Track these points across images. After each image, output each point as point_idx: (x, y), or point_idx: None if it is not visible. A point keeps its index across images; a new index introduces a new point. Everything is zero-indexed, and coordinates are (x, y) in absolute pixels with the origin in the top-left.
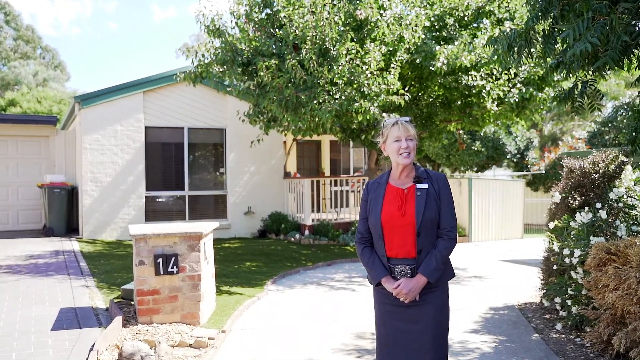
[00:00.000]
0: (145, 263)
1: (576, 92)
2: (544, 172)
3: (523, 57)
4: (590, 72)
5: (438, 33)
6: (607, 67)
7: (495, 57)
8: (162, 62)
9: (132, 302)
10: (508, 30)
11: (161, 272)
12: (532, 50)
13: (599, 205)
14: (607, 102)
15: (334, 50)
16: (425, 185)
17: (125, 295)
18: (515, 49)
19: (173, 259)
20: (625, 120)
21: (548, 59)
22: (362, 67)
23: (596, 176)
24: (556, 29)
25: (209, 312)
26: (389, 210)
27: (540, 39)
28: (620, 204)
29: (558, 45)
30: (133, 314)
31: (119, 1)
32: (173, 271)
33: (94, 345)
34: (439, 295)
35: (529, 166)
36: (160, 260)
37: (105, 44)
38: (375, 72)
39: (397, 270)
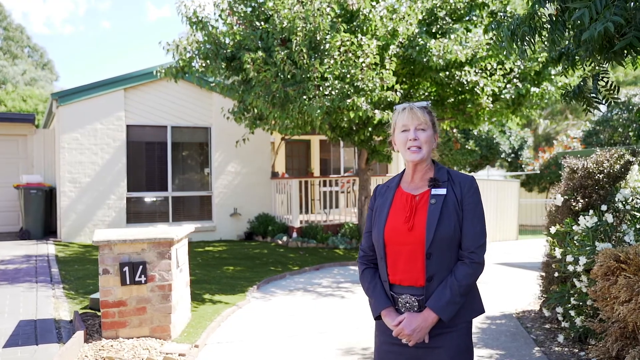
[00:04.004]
0: (110, 272)
1: (587, 87)
2: (538, 172)
3: (527, 45)
4: (604, 62)
5: (430, 27)
6: (626, 53)
7: (496, 42)
8: (158, 61)
9: (99, 314)
10: (509, 15)
11: (127, 282)
12: (537, 38)
13: (604, 207)
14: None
15: (325, 42)
16: (442, 191)
17: (93, 305)
18: (518, 37)
19: (141, 267)
20: (620, 118)
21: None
22: (356, 60)
23: (600, 176)
24: (566, 11)
25: (183, 324)
26: (395, 222)
27: (547, 25)
28: (628, 207)
29: (567, 31)
30: (98, 328)
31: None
32: (141, 281)
33: None
34: (457, 338)
35: (523, 166)
36: (126, 268)
37: (99, 43)
38: (371, 66)
39: (400, 301)
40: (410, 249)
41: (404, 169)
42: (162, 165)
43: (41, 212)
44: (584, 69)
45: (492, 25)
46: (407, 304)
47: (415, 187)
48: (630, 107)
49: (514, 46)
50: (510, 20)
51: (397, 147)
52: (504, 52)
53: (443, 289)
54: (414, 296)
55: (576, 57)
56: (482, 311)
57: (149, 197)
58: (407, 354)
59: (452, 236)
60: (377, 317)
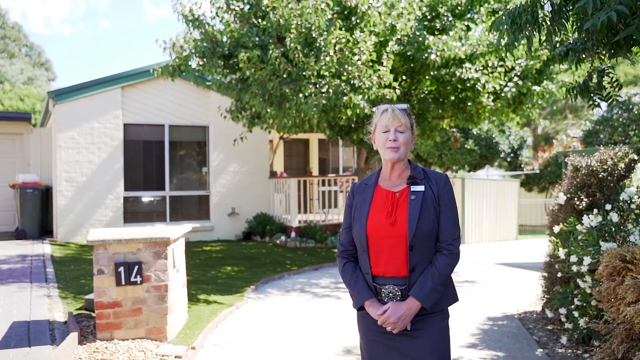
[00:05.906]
0: (105, 272)
1: (592, 83)
2: (538, 171)
3: (529, 35)
4: (608, 57)
5: (431, 24)
6: (631, 44)
7: (500, 37)
8: (157, 61)
9: (94, 315)
10: (512, 6)
11: (123, 283)
12: (539, 29)
13: (608, 206)
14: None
15: (321, 40)
16: (421, 188)
17: (88, 306)
18: (520, 24)
19: (136, 267)
20: (621, 118)
21: (555, 42)
22: (352, 58)
23: (604, 175)
24: (570, 1)
25: (179, 325)
26: (377, 218)
27: (548, 14)
28: (632, 206)
29: (569, 21)
30: (92, 329)
31: None
32: (136, 281)
33: None
34: (437, 324)
35: (522, 166)
36: (121, 269)
37: (98, 42)
38: (367, 63)
39: (384, 291)
40: (393, 243)
41: (380, 168)
42: (159, 165)
43: (37, 211)
44: (592, 65)
45: (497, 22)
46: (391, 294)
47: (394, 184)
48: (631, 106)
49: (514, 35)
50: (511, 10)
51: (377, 146)
52: (505, 46)
53: (425, 278)
54: (397, 286)
55: (583, 54)
56: (457, 299)
57: (147, 197)
58: (392, 341)
59: (432, 229)
60: (360, 308)
